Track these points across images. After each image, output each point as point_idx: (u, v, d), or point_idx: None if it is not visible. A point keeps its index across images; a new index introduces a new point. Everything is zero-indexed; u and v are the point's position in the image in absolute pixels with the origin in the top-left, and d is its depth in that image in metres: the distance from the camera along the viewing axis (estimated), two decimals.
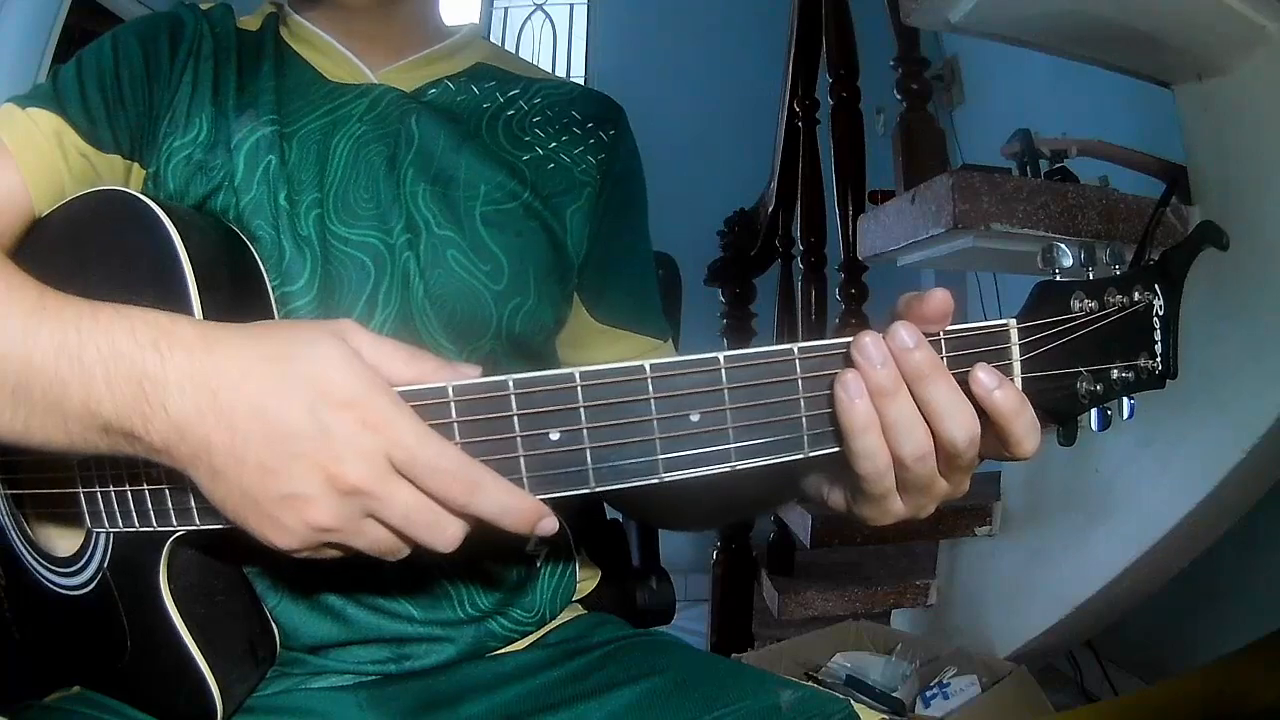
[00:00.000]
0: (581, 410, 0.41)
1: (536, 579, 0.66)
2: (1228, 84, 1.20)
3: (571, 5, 3.63)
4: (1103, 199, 1.24)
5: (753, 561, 1.91)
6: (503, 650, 0.65)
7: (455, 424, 0.42)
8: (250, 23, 0.69)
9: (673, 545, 1.03)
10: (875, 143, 1.89)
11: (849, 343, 0.41)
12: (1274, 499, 1.30)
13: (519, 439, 0.42)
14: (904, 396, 0.41)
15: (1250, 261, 1.17)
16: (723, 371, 0.41)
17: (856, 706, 0.58)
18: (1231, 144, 1.21)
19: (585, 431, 0.41)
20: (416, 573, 0.60)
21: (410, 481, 0.40)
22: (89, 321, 0.42)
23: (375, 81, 0.66)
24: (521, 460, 0.42)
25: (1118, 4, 1.12)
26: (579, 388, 0.41)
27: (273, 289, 0.58)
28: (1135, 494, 1.37)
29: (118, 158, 0.61)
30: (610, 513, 0.92)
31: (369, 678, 0.61)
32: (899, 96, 1.74)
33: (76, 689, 0.58)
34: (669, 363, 0.42)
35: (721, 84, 3.16)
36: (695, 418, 0.42)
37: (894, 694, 1.46)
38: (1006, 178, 1.27)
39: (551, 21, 3.64)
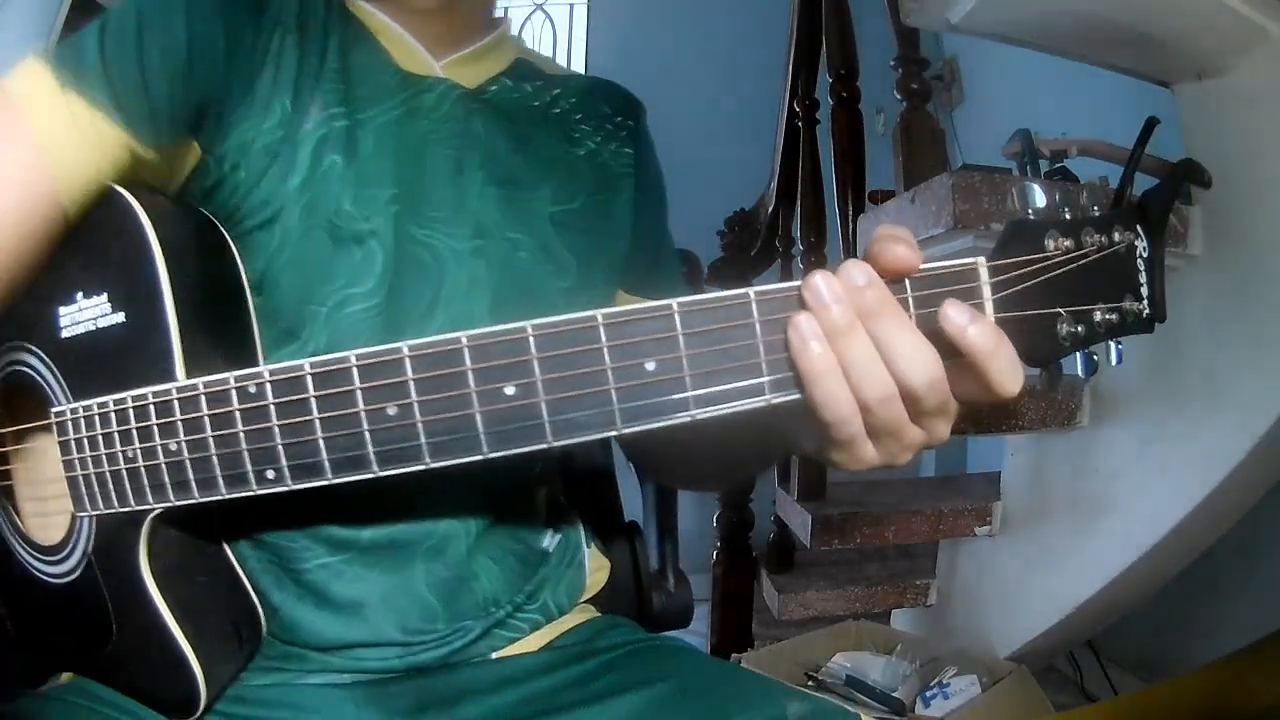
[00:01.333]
0: (535, 363, 0.41)
1: (546, 565, 0.66)
2: (1228, 84, 1.20)
3: (571, 5, 3.63)
4: (1103, 199, 1.24)
5: (753, 561, 1.90)
6: (509, 651, 0.64)
7: (411, 382, 0.42)
8: None
9: None
10: (875, 143, 1.89)
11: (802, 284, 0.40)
12: (1274, 499, 1.30)
13: (474, 395, 0.41)
14: (860, 335, 0.39)
15: (1251, 261, 1.17)
16: (676, 318, 0.40)
17: (865, 717, 0.57)
18: (1231, 144, 1.21)
19: (540, 384, 0.41)
20: (448, 568, 0.60)
21: None
22: None
23: (440, 75, 0.63)
24: (478, 417, 0.42)
25: (1118, 4, 1.12)
26: (530, 339, 0.41)
27: (330, 293, 0.57)
28: (1135, 494, 1.37)
29: (173, 148, 0.55)
30: (628, 514, 0.92)
31: (368, 676, 0.60)
32: (899, 96, 1.74)
33: (67, 676, 0.58)
34: (621, 311, 0.41)
35: (721, 84, 3.15)
36: (651, 366, 0.40)
37: (894, 694, 1.46)
38: (1006, 178, 1.27)
39: (551, 21, 3.64)
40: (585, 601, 0.71)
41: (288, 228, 0.56)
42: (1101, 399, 1.44)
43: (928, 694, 1.48)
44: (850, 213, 1.68)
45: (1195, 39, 1.16)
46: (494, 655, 0.63)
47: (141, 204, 0.51)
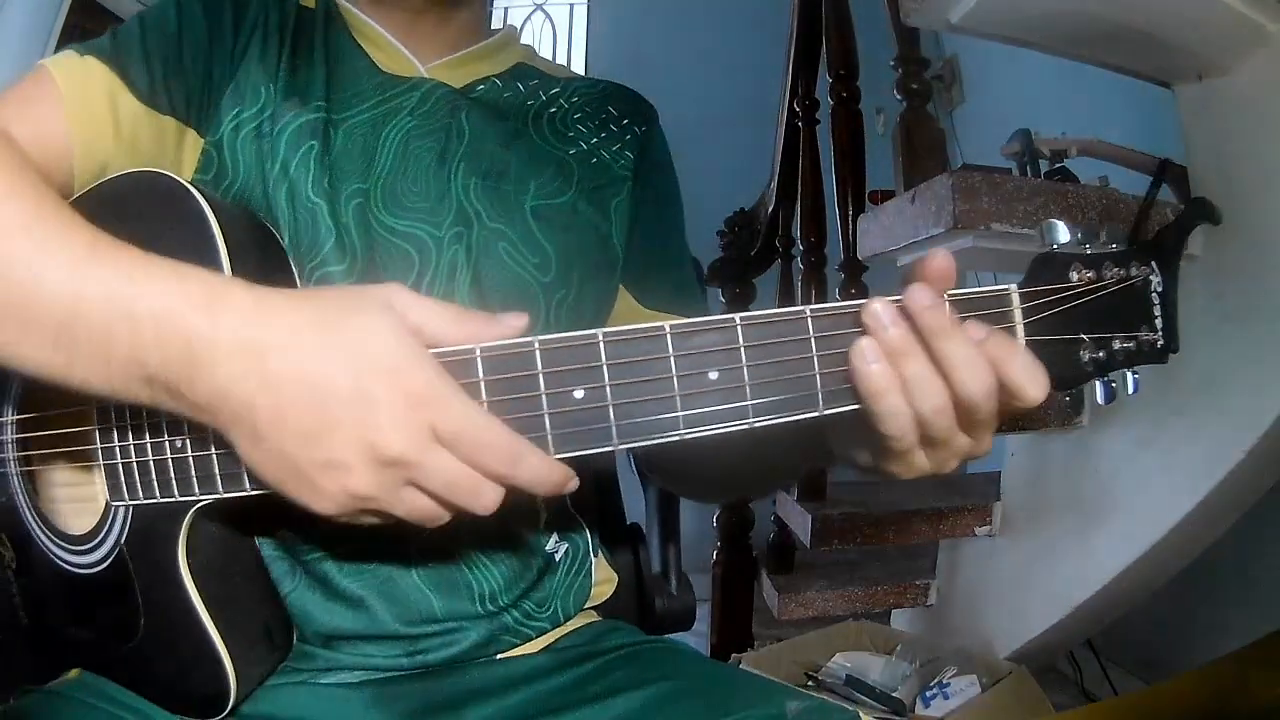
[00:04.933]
0: (604, 369, 0.43)
1: (553, 573, 0.66)
2: (1228, 84, 1.20)
3: (571, 5, 3.63)
4: (1103, 199, 1.24)
5: (753, 561, 1.90)
6: (513, 653, 0.64)
7: (482, 383, 0.43)
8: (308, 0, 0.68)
9: None
10: (875, 143, 1.89)
11: (858, 305, 0.43)
12: (1274, 499, 1.30)
13: (544, 397, 0.43)
14: (918, 354, 0.42)
15: (1250, 262, 1.17)
16: (739, 330, 0.43)
17: (864, 716, 0.57)
18: (1231, 144, 1.21)
19: (608, 389, 0.43)
20: (441, 562, 0.61)
21: (452, 452, 0.41)
22: (142, 273, 0.42)
23: (425, 76, 0.66)
24: (546, 418, 0.43)
25: (1118, 4, 1.12)
26: (601, 345, 0.43)
27: (313, 269, 0.59)
28: (1135, 494, 1.37)
29: (171, 120, 0.60)
30: (630, 516, 0.92)
31: (378, 675, 0.61)
32: (899, 96, 1.74)
33: (75, 673, 0.58)
34: (688, 323, 0.43)
35: (721, 84, 3.15)
36: (714, 375, 0.43)
37: (894, 694, 1.46)
38: (1006, 178, 1.27)
39: (551, 21, 3.64)
40: (590, 607, 0.71)
41: (276, 215, 0.59)
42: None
43: (928, 694, 1.48)
44: (850, 213, 1.68)
45: (1195, 39, 1.16)
46: (499, 656, 0.64)
47: (205, 197, 0.52)
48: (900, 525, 1.61)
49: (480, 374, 0.43)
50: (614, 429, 0.43)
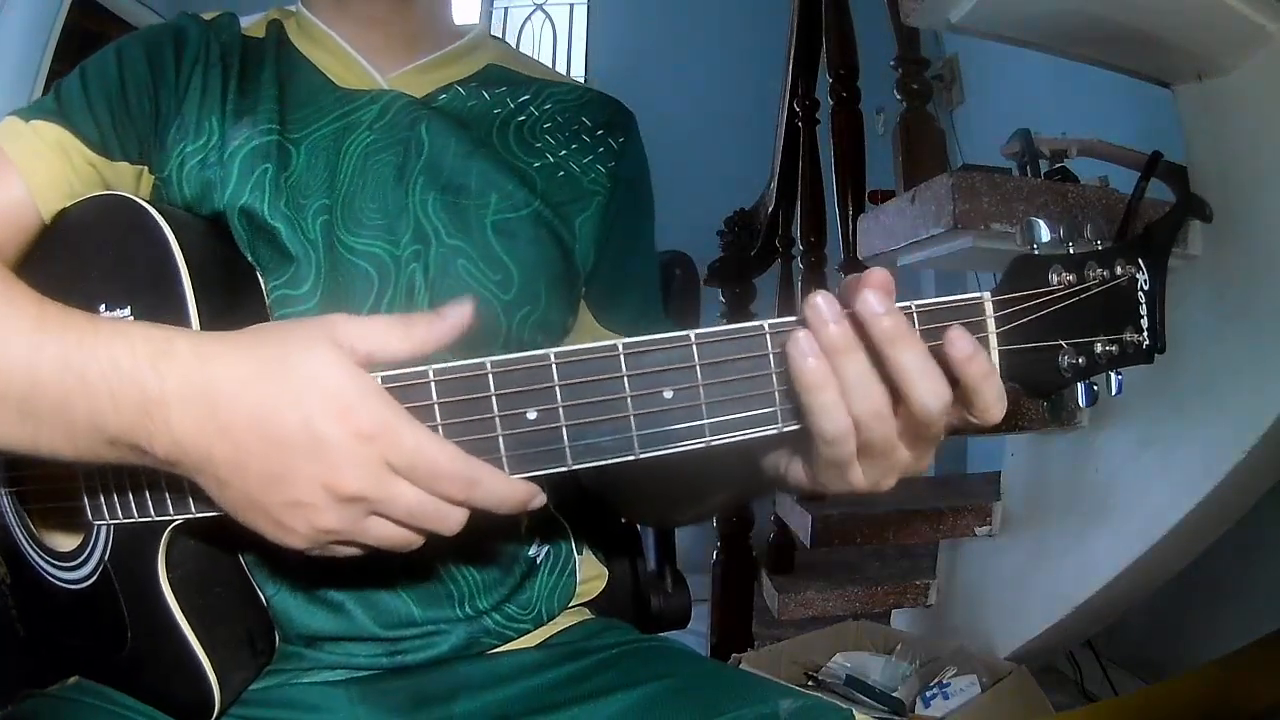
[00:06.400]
0: (557, 389, 0.42)
1: (535, 576, 0.66)
2: (1228, 84, 1.20)
3: (571, 5, 3.63)
4: (1103, 199, 1.24)
5: (753, 561, 1.91)
6: (500, 649, 0.64)
7: (436, 406, 0.43)
8: (255, 29, 0.68)
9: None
10: (875, 143, 1.89)
11: None
12: (1274, 499, 1.30)
13: (497, 419, 0.43)
14: (857, 355, 0.41)
15: (1250, 262, 1.17)
16: (694, 348, 0.42)
17: (859, 715, 0.56)
18: (1231, 144, 1.21)
19: (561, 410, 0.42)
20: (420, 570, 0.60)
21: (409, 481, 0.41)
22: (90, 338, 0.43)
23: (385, 87, 0.65)
24: (500, 440, 0.43)
25: (1118, 4, 1.12)
26: (554, 367, 0.42)
27: (273, 289, 0.59)
28: (1135, 494, 1.37)
29: (125, 164, 0.61)
30: None
31: (361, 673, 0.61)
32: (899, 96, 1.75)
33: (75, 679, 0.59)
34: (642, 341, 0.42)
35: (721, 84, 3.16)
36: (669, 394, 0.42)
37: (894, 694, 1.46)
38: (1006, 178, 1.27)
39: (551, 21, 3.64)
40: (582, 604, 0.71)
41: (238, 237, 0.59)
42: (1101, 399, 1.44)
43: (928, 694, 1.48)
44: (850, 213, 1.68)
45: (1195, 39, 1.16)
46: (489, 652, 0.64)
47: (165, 218, 0.52)
48: (900, 525, 1.61)
49: (434, 397, 0.43)
50: (567, 450, 0.43)
